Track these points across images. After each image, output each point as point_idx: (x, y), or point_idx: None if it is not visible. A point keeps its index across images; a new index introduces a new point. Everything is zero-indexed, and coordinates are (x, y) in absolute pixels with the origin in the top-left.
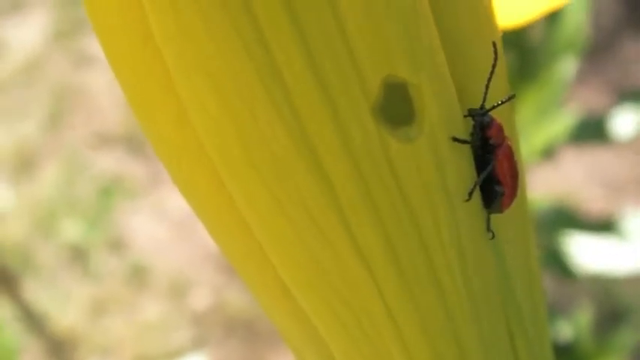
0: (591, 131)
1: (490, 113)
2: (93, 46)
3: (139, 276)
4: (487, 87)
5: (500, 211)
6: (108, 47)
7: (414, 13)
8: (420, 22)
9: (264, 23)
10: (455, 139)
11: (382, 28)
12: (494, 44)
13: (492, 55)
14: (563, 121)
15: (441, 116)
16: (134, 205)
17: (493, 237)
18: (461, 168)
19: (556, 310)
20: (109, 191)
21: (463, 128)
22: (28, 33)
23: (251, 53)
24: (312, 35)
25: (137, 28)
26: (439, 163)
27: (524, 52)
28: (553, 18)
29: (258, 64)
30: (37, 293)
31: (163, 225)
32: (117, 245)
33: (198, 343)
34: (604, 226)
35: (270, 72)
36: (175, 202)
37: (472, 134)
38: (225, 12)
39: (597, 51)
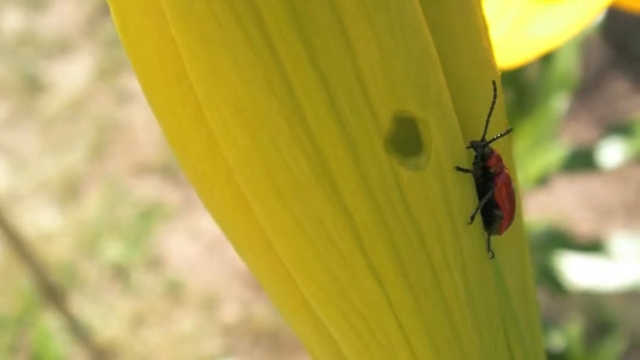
0: (581, 161)
1: (490, 145)
2: (132, 84)
3: (174, 291)
4: (487, 121)
5: (499, 233)
6: (146, 85)
7: (422, 56)
8: (427, 64)
9: (288, 65)
10: (458, 169)
11: (394, 69)
12: (493, 83)
13: (492, 93)
14: (556, 152)
15: (446, 148)
16: (170, 227)
17: (493, 256)
18: (464, 194)
19: (549, 322)
20: (147, 215)
21: (466, 158)
22: (74, 72)
23: (276, 92)
24: (330, 76)
25: (172, 68)
26: (444, 190)
27: (521, 89)
28: (547, 59)
29: (282, 102)
30: (82, 307)
31: (196, 245)
32: (154, 263)
33: (227, 352)
34: (593, 246)
35: (293, 109)
36: (207, 224)
37: (474, 164)
38: (253, 56)
39: (586, 89)
